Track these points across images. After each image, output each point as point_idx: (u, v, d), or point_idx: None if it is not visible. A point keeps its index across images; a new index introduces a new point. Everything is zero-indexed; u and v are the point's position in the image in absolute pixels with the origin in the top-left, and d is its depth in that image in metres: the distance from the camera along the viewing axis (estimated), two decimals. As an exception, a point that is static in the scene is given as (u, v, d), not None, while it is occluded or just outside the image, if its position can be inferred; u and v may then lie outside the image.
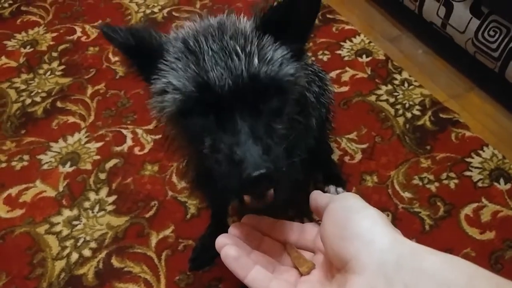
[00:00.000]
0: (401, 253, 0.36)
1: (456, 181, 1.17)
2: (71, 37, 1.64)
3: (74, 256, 1.07)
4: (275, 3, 0.57)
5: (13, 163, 1.26)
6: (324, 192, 1.13)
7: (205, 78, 0.51)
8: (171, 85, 0.53)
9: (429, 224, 1.09)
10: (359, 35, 1.58)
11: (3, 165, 1.26)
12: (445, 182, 1.17)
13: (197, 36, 0.55)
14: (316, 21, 1.63)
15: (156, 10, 1.74)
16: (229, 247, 0.46)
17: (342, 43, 1.55)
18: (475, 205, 1.12)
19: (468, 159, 1.22)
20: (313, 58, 1.39)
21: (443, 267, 0.33)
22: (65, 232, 1.11)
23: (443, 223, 1.09)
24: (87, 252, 1.07)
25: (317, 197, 0.48)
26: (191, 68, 0.52)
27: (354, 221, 0.40)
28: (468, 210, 1.12)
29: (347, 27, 1.61)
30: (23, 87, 1.48)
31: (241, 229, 0.50)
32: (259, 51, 0.54)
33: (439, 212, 1.11)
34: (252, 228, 0.51)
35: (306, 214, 1.11)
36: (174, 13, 1.73)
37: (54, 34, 1.66)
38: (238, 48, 0.53)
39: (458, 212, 1.11)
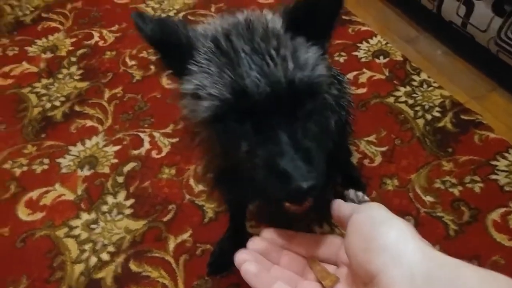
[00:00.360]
0: (432, 267, 0.34)
1: (481, 184, 1.14)
2: (89, 42, 1.66)
3: (93, 259, 1.07)
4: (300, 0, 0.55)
5: (34, 167, 1.28)
6: (344, 195, 1.13)
7: (242, 84, 0.49)
8: (205, 90, 0.51)
9: (454, 229, 1.06)
10: (375, 36, 1.55)
11: (25, 168, 1.28)
12: (469, 185, 1.14)
13: (228, 35, 0.53)
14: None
15: (171, 14, 1.75)
16: (249, 263, 0.45)
17: (358, 45, 1.53)
18: (502, 210, 1.09)
19: (493, 162, 1.18)
20: (329, 60, 1.37)
21: (480, 283, 0.32)
22: (84, 235, 1.12)
23: (468, 229, 1.06)
24: (105, 256, 1.08)
25: (339, 206, 0.47)
26: (226, 73, 0.50)
27: (380, 232, 0.39)
28: (495, 215, 1.08)
29: (363, 28, 1.59)
30: (43, 91, 1.50)
31: (261, 243, 0.49)
32: (292, 54, 0.52)
33: (463, 217, 1.08)
34: (272, 242, 0.50)
35: (325, 218, 1.09)
36: (189, 17, 1.74)
37: (73, 40, 1.68)
38: (272, 51, 0.51)
39: (484, 217, 1.08)
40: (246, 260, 0.45)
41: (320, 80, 0.54)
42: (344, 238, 0.43)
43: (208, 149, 0.64)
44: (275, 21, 0.55)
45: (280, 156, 0.48)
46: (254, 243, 0.49)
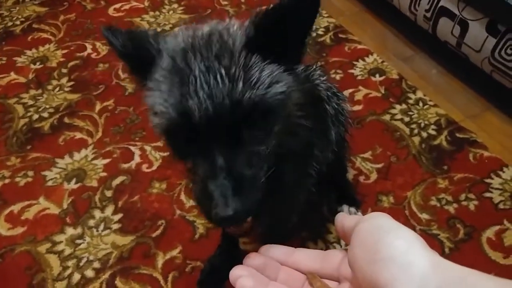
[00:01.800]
0: (446, 278, 0.32)
1: (475, 202, 1.12)
2: (81, 53, 1.64)
3: (76, 277, 1.02)
4: (268, 9, 0.52)
5: (17, 179, 1.23)
6: (337, 212, 1.11)
7: (186, 105, 0.49)
8: (157, 107, 0.52)
9: (449, 247, 1.04)
10: (371, 55, 1.56)
11: (7, 181, 1.22)
12: (464, 203, 1.12)
13: (186, 52, 0.51)
14: (328, 41, 1.64)
15: (167, 28, 1.74)
16: (245, 278, 0.42)
17: (354, 62, 1.53)
18: (497, 227, 1.07)
19: (488, 180, 1.17)
20: (327, 77, 1.37)
21: None
22: (68, 251, 1.07)
23: (464, 246, 1.04)
24: (90, 273, 1.02)
25: (343, 219, 0.44)
26: (174, 92, 0.50)
27: (386, 242, 0.36)
28: (490, 233, 1.06)
29: (359, 46, 1.60)
30: (31, 102, 1.46)
31: (258, 259, 0.46)
32: (244, 73, 0.50)
33: (459, 235, 1.06)
34: (269, 258, 0.47)
35: (320, 235, 1.06)
36: (184, 32, 1.73)
37: (65, 51, 1.65)
38: (222, 70, 0.49)
39: (479, 235, 1.06)
40: (241, 275, 0.42)
41: (278, 99, 0.52)
42: (348, 250, 0.40)
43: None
44: (235, 36, 0.53)
45: (211, 179, 0.48)
46: (251, 258, 0.46)
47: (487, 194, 1.14)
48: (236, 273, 0.43)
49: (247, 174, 0.50)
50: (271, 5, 0.52)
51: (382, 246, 0.36)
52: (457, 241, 1.05)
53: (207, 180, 0.49)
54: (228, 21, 0.57)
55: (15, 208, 1.16)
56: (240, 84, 0.49)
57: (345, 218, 0.44)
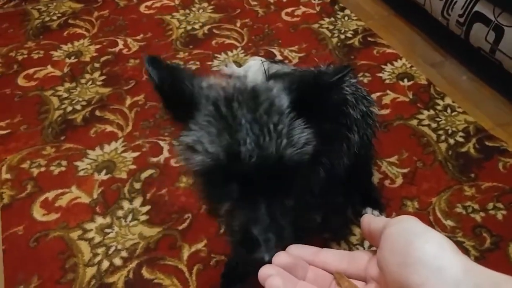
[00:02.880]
0: (478, 283, 0.32)
1: (504, 212, 1.11)
2: (113, 49, 1.69)
3: (105, 264, 1.05)
4: (307, 78, 0.60)
5: (52, 168, 1.27)
6: (361, 214, 1.11)
7: (237, 149, 0.52)
8: (202, 146, 0.54)
9: (474, 255, 1.03)
10: (400, 59, 1.55)
11: (42, 169, 1.27)
12: (492, 212, 1.11)
13: (230, 102, 0.55)
14: (357, 43, 1.64)
15: (197, 27, 1.77)
16: (274, 277, 0.42)
17: (383, 66, 1.53)
18: (525, 238, 1.06)
19: (517, 190, 1.15)
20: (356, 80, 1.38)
21: None
22: (97, 239, 1.10)
23: (490, 256, 1.03)
24: (118, 261, 1.06)
25: (370, 220, 0.44)
26: (224, 136, 0.53)
27: (417, 246, 0.36)
28: (517, 243, 1.05)
29: (388, 50, 1.60)
30: (65, 95, 1.51)
31: (286, 258, 0.47)
32: (288, 132, 0.55)
33: (485, 244, 1.05)
34: (297, 257, 0.48)
35: (343, 237, 1.07)
36: (214, 31, 1.76)
37: (98, 46, 1.70)
38: (271, 126, 0.53)
39: (507, 245, 1.05)
40: (270, 274, 0.43)
41: (305, 158, 0.57)
42: (377, 253, 0.41)
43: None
44: (281, 98, 0.57)
45: (255, 223, 0.52)
46: (280, 257, 0.47)
47: (516, 204, 1.12)
48: (265, 272, 0.44)
49: (283, 223, 0.54)
50: (314, 75, 0.61)
51: (413, 250, 0.36)
52: (483, 250, 1.04)
53: (249, 224, 0.53)
54: (266, 81, 0.61)
55: (50, 195, 1.21)
56: (285, 141, 0.54)
57: (372, 219, 0.44)
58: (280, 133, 0.54)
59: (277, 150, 0.53)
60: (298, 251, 0.48)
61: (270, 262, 0.47)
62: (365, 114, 0.92)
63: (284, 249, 0.50)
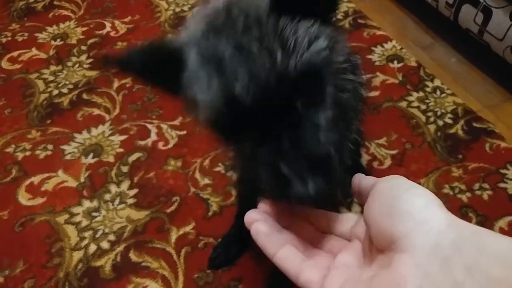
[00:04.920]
0: (460, 234, 0.32)
1: (489, 192, 1.12)
2: (101, 31, 1.65)
3: (92, 247, 1.05)
4: None
5: (37, 152, 1.26)
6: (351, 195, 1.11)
7: (231, 93, 0.44)
8: (199, 98, 0.47)
9: (461, 236, 1.04)
10: (390, 41, 1.54)
11: (28, 153, 1.26)
12: (478, 193, 1.12)
13: (208, 35, 0.46)
14: (347, 26, 1.62)
15: (185, 8, 1.74)
16: (260, 223, 0.43)
17: (373, 48, 1.52)
18: (510, 218, 1.07)
19: (503, 171, 1.16)
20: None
21: None
22: (84, 223, 1.10)
23: (476, 236, 1.04)
24: (105, 245, 1.05)
25: (360, 179, 0.44)
26: (213, 82, 0.45)
27: (404, 199, 0.37)
28: (502, 223, 1.06)
29: (378, 32, 1.58)
30: (51, 78, 1.49)
31: (272, 206, 0.47)
32: (279, 41, 0.44)
33: (471, 223, 1.06)
34: (283, 207, 0.48)
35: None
36: (203, 13, 1.73)
37: (84, 29, 1.67)
38: (255, 45, 0.43)
39: (491, 224, 1.06)
40: (257, 219, 0.44)
41: (321, 56, 0.47)
42: (364, 208, 0.41)
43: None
44: (258, 2, 0.47)
45: (282, 159, 0.44)
46: (266, 204, 0.47)
47: (502, 185, 1.13)
48: (252, 216, 0.44)
49: (316, 149, 0.45)
50: None
51: (400, 202, 0.37)
52: (469, 230, 1.05)
53: (276, 163, 0.44)
54: None
55: (35, 179, 1.19)
56: (279, 54, 0.44)
57: (362, 178, 0.44)
58: (268, 46, 0.43)
59: (274, 69, 0.43)
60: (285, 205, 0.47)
61: (312, 196, 0.43)
62: (353, 82, 0.88)
63: (330, 179, 0.44)
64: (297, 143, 0.45)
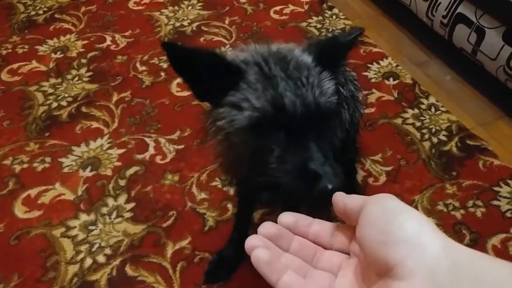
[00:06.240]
0: (456, 260, 0.33)
1: (483, 209, 1.13)
2: (101, 45, 1.67)
3: (88, 261, 1.05)
4: (325, 40, 0.72)
5: (35, 164, 1.27)
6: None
7: (281, 102, 0.60)
8: (249, 103, 0.61)
9: (455, 253, 1.05)
10: (386, 58, 1.57)
11: (25, 165, 1.26)
12: (471, 210, 1.13)
13: (268, 62, 0.63)
14: (343, 42, 1.65)
15: (185, 23, 1.77)
16: (260, 249, 0.42)
17: (369, 65, 1.54)
18: (503, 235, 1.08)
19: (496, 188, 1.18)
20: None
21: (510, 277, 0.30)
22: (81, 236, 1.10)
23: (469, 253, 1.05)
24: (101, 258, 1.05)
25: (345, 200, 0.44)
26: (269, 91, 0.60)
27: (397, 224, 0.36)
28: (495, 240, 1.07)
29: (374, 49, 1.61)
30: (50, 90, 1.50)
31: (272, 228, 0.47)
32: (318, 83, 0.63)
33: (464, 240, 1.07)
34: (283, 228, 0.48)
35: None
36: (203, 28, 1.75)
37: (85, 42, 1.69)
38: (303, 79, 0.62)
39: (485, 241, 1.07)
40: (257, 246, 0.43)
41: (334, 105, 0.66)
42: (357, 231, 0.41)
43: (235, 154, 0.71)
44: (304, 57, 0.66)
45: (311, 160, 0.58)
46: (265, 228, 0.47)
47: (495, 202, 1.15)
48: (252, 242, 0.43)
49: (331, 158, 0.60)
50: (331, 36, 0.71)
51: (393, 228, 0.36)
52: (463, 247, 1.06)
53: (305, 162, 0.58)
54: (283, 44, 0.70)
55: (32, 192, 1.20)
56: (318, 91, 0.62)
57: (347, 198, 0.43)
58: (312, 84, 0.62)
59: (314, 98, 0.61)
60: (288, 220, 0.47)
61: (333, 190, 0.47)
62: (354, 94, 0.95)
63: (341, 180, 0.57)
64: (322, 149, 0.60)
